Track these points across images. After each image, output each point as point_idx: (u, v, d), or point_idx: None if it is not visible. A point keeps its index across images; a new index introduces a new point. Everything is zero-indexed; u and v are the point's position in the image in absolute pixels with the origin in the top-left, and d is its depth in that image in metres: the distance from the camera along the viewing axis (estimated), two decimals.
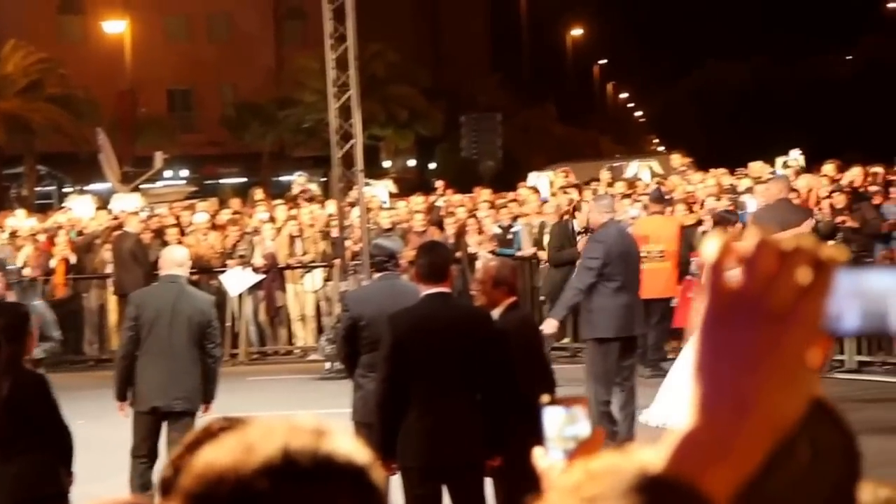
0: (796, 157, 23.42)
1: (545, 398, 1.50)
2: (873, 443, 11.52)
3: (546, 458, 1.73)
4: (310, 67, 38.11)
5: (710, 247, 1.15)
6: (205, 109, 51.33)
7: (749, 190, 18.58)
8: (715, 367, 1.14)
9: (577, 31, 69.06)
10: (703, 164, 25.50)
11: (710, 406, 1.13)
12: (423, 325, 7.37)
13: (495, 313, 8.16)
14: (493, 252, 16.84)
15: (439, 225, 18.90)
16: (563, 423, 1.48)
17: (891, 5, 58.34)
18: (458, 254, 17.28)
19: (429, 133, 44.55)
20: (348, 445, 1.32)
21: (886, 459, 8.03)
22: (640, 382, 12.19)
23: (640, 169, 26.01)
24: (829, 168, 19.39)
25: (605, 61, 75.07)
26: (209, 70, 49.83)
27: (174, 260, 9.83)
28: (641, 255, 15.12)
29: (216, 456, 1.29)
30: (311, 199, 22.10)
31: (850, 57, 56.18)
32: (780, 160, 23.34)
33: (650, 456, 1.16)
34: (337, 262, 18.15)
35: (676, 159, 24.85)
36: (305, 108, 41.14)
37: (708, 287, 1.15)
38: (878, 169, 20.05)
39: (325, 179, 30.43)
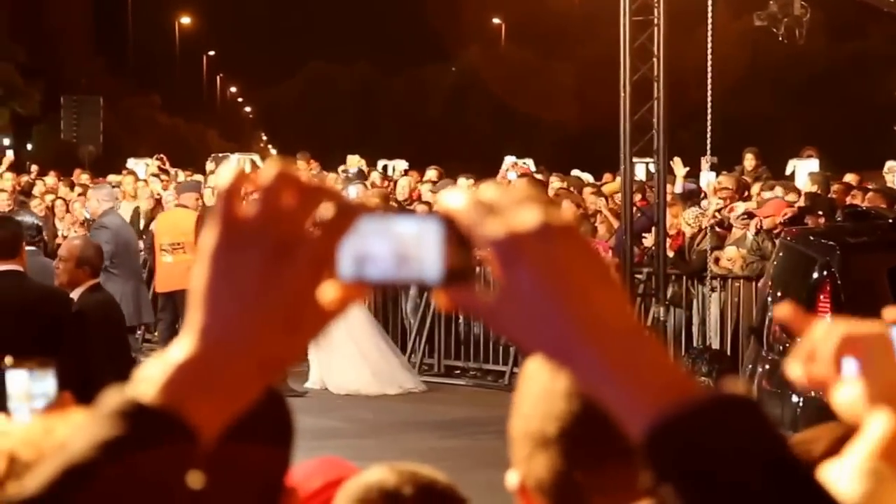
0: (399, 163, 23.72)
1: (8, 360, 1.38)
2: (475, 442, 11.83)
3: (12, 421, 1.61)
4: None
5: (224, 172, 1.09)
6: None
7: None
8: (216, 296, 1.08)
9: (185, 20, 68.03)
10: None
11: (205, 334, 1.07)
12: None
13: (76, 294, 7.89)
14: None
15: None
16: (29, 383, 1.38)
17: (495, 20, 60.94)
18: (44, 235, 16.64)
19: (25, 112, 42.78)
20: None
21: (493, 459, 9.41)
22: None
23: (242, 161, 25.74)
24: (431, 174, 19.70)
25: (213, 53, 74.15)
26: None
27: None
28: (163, 247, 14.81)
29: None
30: None
31: (454, 68, 58.18)
32: (380, 163, 23.66)
33: (145, 384, 1.07)
34: None
35: (301, 163, 24.13)
36: None
37: (218, 212, 1.08)
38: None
39: None
